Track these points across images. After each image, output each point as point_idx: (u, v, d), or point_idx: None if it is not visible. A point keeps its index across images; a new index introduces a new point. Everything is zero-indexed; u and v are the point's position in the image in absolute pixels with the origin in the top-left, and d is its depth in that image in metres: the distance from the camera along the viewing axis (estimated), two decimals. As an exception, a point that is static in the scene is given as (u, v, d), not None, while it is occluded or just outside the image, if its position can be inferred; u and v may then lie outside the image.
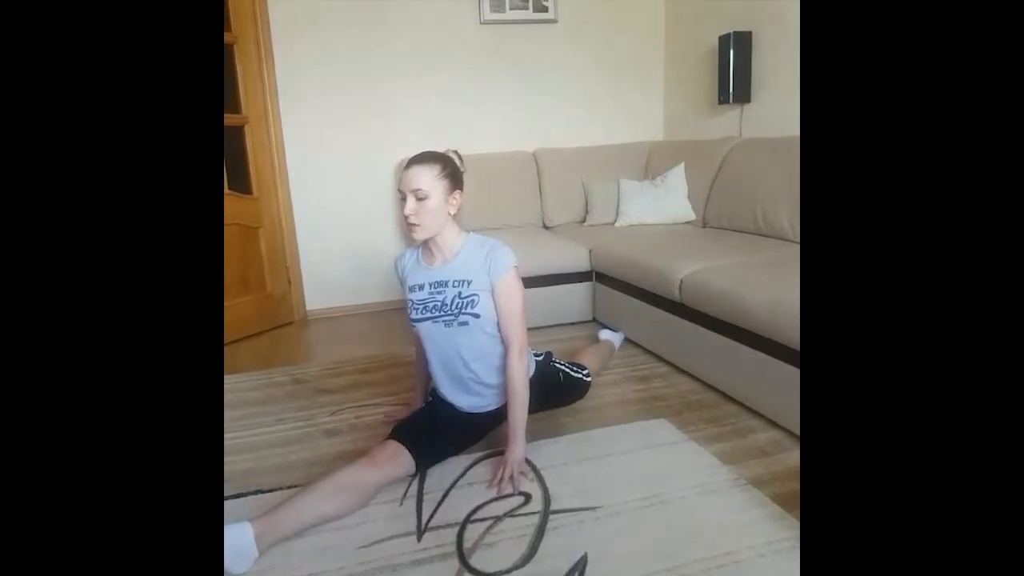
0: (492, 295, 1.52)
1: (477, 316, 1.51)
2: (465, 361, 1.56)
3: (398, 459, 1.48)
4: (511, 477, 1.49)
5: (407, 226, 1.48)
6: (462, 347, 1.55)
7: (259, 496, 1.51)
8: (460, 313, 1.51)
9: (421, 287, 1.56)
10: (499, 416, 1.63)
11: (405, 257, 1.64)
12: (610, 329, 2.58)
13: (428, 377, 1.71)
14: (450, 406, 1.64)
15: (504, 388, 1.56)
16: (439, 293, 1.53)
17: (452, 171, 1.51)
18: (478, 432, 1.67)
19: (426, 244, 1.58)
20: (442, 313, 1.53)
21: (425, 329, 1.56)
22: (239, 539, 1.22)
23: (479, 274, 1.52)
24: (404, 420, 1.65)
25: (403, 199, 1.47)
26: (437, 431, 1.60)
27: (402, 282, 1.63)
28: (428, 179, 1.45)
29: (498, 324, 1.54)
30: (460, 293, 1.51)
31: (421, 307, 1.55)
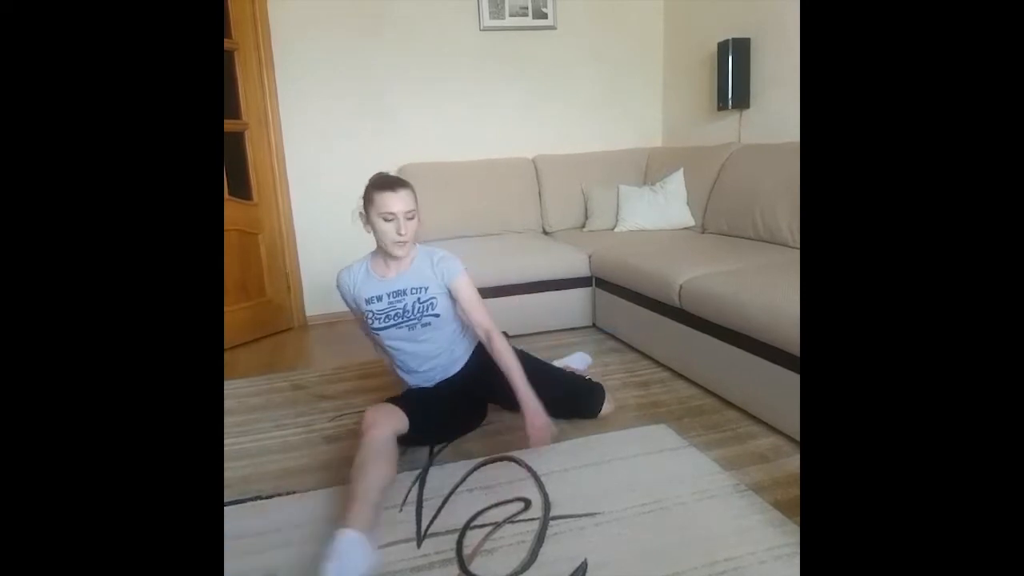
0: (449, 295, 1.68)
1: (438, 315, 1.66)
2: (434, 354, 1.72)
3: (395, 414, 1.55)
4: (540, 432, 1.57)
5: (393, 245, 1.58)
6: (430, 342, 1.70)
7: (258, 502, 1.51)
8: (423, 316, 1.65)
9: (379, 298, 1.66)
10: (474, 364, 1.77)
11: (351, 273, 1.72)
12: (579, 354, 2.34)
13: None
14: (427, 389, 1.75)
15: (469, 345, 1.77)
16: (398, 301, 1.65)
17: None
18: (464, 388, 1.76)
19: (381, 258, 1.68)
20: (404, 319, 1.65)
21: (390, 335, 1.68)
22: (363, 552, 1.20)
23: (432, 280, 1.66)
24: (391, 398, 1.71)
25: (387, 219, 1.56)
26: (428, 402, 1.69)
27: (352, 298, 1.72)
28: (413, 201, 1.59)
29: (460, 318, 1.71)
30: (419, 298, 1.65)
31: (383, 316, 1.65)
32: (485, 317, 1.66)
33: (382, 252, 1.65)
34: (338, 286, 1.74)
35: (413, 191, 1.60)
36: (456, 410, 1.77)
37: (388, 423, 1.51)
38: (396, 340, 1.69)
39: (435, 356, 1.72)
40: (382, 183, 1.58)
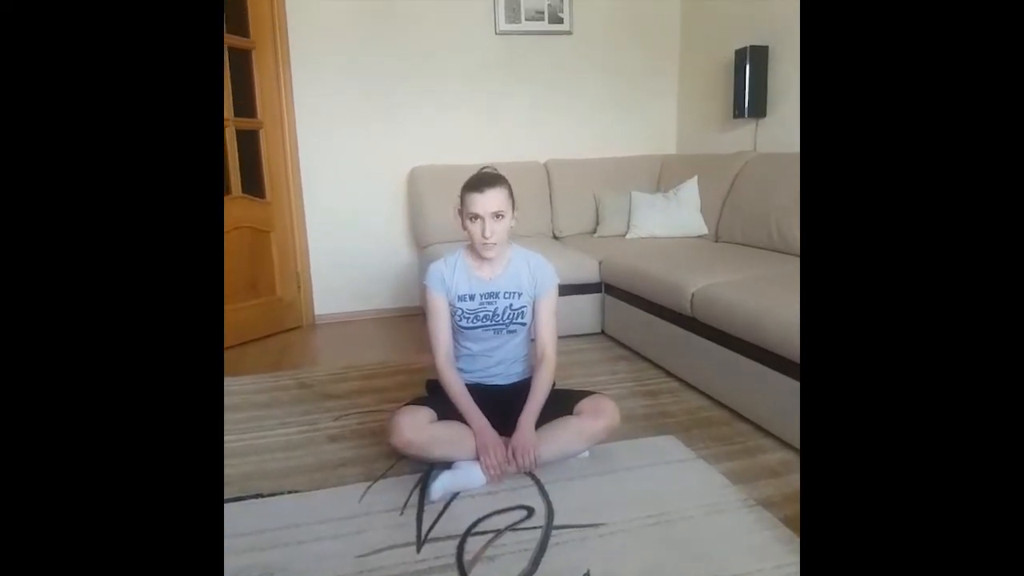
0: (532, 306, 1.67)
1: (524, 325, 1.67)
2: (503, 360, 1.69)
3: (421, 414, 1.54)
4: (516, 456, 1.50)
5: (481, 247, 1.55)
6: (504, 348, 1.68)
7: (258, 500, 1.50)
8: (511, 323, 1.64)
9: (472, 297, 1.63)
10: (522, 389, 1.65)
11: (447, 265, 1.65)
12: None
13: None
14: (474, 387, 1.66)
15: (525, 370, 1.72)
16: (490, 304, 1.63)
17: (511, 190, 1.59)
18: (499, 407, 1.63)
19: (477, 256, 1.62)
20: (493, 322, 1.64)
21: (474, 334, 1.66)
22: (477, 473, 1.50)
23: (526, 287, 1.65)
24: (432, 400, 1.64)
25: (472, 220, 1.54)
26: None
27: (446, 290, 1.64)
28: (504, 201, 1.54)
29: (529, 329, 1.68)
30: (512, 305, 1.64)
31: (472, 316, 1.63)
32: (553, 337, 1.66)
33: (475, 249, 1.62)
34: (428, 278, 1.65)
35: (506, 188, 1.56)
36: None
37: (416, 424, 1.51)
38: (478, 341, 1.66)
39: (499, 365, 1.69)
40: (471, 183, 1.55)
